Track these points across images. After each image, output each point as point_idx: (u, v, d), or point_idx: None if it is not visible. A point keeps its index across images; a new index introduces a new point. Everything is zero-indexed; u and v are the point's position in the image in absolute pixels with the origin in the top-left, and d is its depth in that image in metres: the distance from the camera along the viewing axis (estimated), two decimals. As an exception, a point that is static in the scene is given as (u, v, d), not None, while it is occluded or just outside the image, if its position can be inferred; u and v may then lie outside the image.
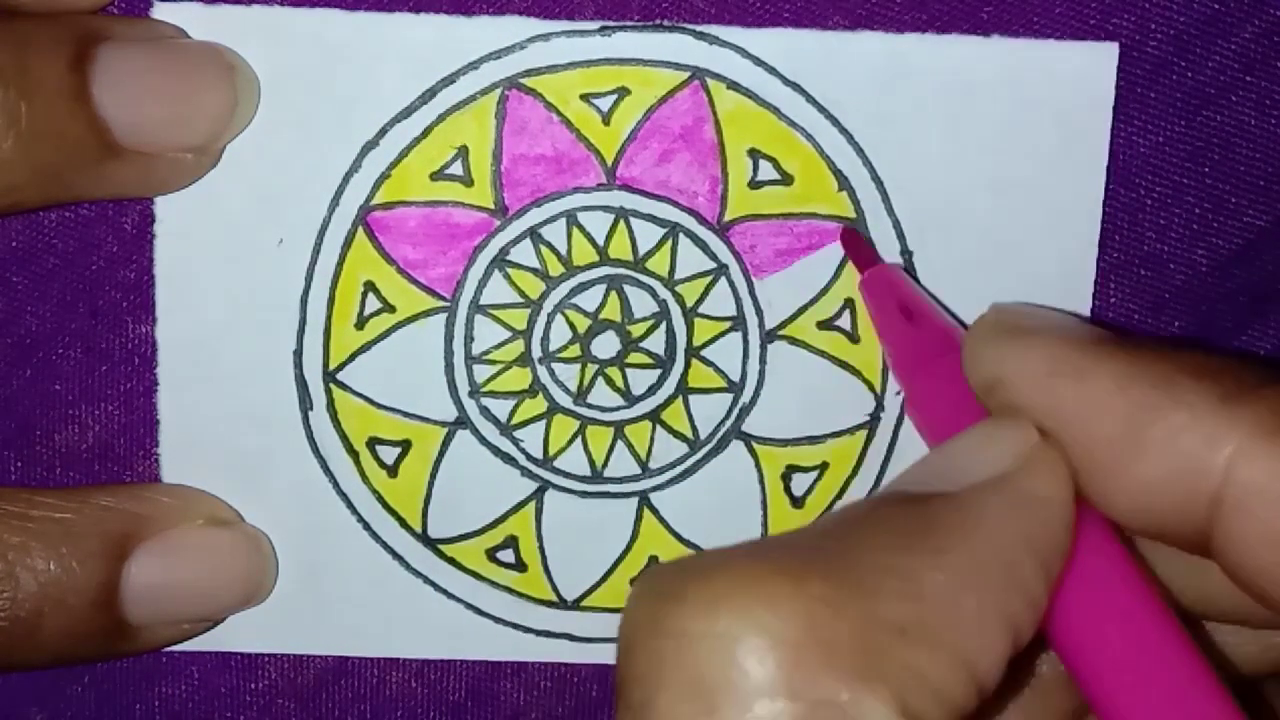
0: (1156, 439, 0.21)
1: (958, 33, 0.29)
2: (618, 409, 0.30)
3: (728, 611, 0.19)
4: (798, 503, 0.30)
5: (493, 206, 0.29)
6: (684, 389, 0.30)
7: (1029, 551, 0.21)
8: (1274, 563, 0.21)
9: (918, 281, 0.29)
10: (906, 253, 0.29)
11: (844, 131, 0.29)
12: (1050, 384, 0.22)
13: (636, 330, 0.30)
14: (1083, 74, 0.29)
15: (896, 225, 0.29)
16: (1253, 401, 0.21)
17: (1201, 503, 0.21)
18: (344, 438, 0.30)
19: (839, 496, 0.30)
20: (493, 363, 0.30)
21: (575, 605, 0.30)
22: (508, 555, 0.30)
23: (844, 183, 0.29)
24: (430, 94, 0.29)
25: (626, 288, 0.30)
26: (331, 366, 0.30)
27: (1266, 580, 0.21)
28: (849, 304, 0.30)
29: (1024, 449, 0.22)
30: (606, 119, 0.29)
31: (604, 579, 0.30)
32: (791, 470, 0.30)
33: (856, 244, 0.29)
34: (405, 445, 0.30)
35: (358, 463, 0.30)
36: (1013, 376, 0.23)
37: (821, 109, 0.29)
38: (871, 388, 0.30)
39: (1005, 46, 0.29)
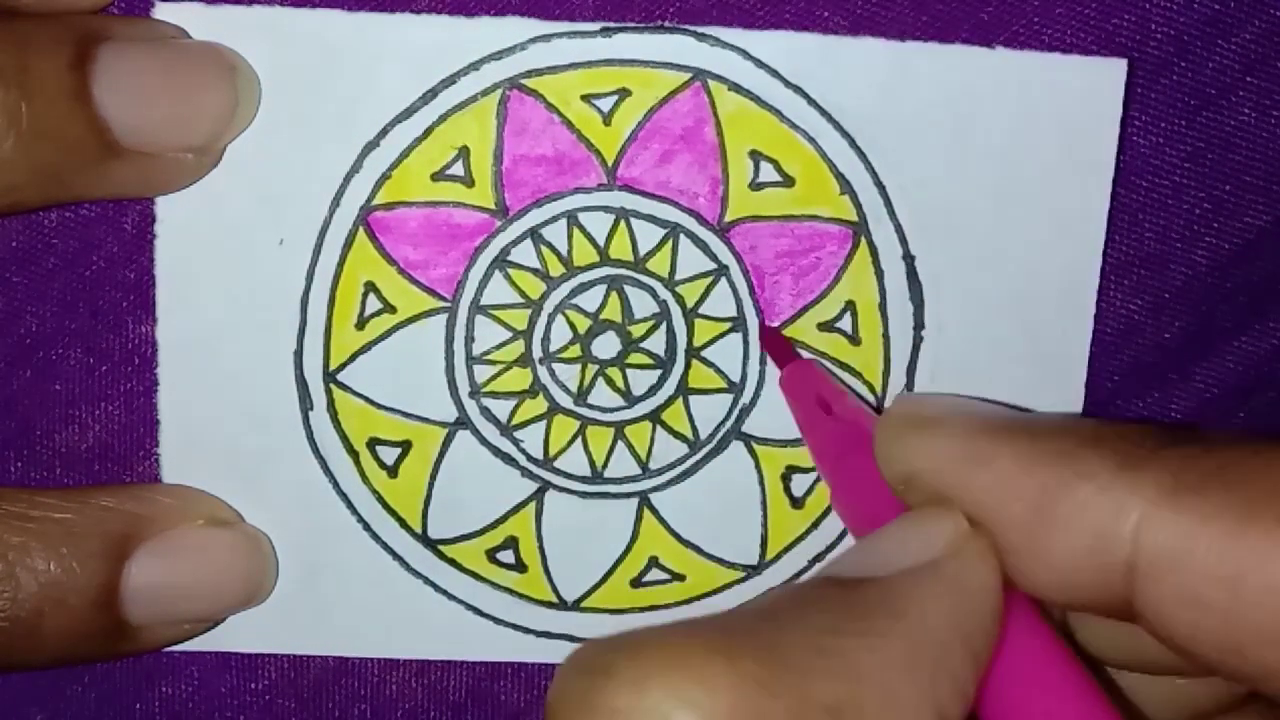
0: (1065, 515, 0.21)
1: (959, 35, 0.29)
2: (618, 409, 0.30)
3: (657, 688, 0.18)
4: (798, 503, 0.30)
5: (493, 207, 0.29)
6: (684, 389, 0.30)
7: (958, 639, 0.21)
8: (1192, 622, 0.21)
9: (920, 286, 0.30)
10: (909, 257, 0.29)
11: (845, 135, 0.29)
12: (959, 473, 0.23)
13: (637, 331, 0.30)
14: (1090, 88, 0.29)
15: (899, 229, 0.29)
16: (1152, 466, 0.21)
17: (1118, 571, 0.21)
18: (344, 438, 0.30)
19: (839, 497, 0.31)
20: (493, 363, 0.30)
21: (575, 606, 0.30)
22: (508, 556, 0.30)
23: (845, 186, 0.29)
24: (431, 94, 0.29)
25: (627, 288, 0.30)
26: (332, 367, 0.29)
27: (1188, 639, 0.21)
28: (849, 306, 0.30)
29: (952, 537, 0.22)
30: (607, 120, 0.29)
31: (604, 580, 0.30)
32: (791, 471, 0.30)
33: (776, 341, 0.29)
34: (405, 446, 0.30)
35: (358, 463, 0.30)
36: (922, 471, 0.23)
37: (823, 112, 0.29)
38: (872, 389, 0.30)
39: (1011, 59, 0.29)
